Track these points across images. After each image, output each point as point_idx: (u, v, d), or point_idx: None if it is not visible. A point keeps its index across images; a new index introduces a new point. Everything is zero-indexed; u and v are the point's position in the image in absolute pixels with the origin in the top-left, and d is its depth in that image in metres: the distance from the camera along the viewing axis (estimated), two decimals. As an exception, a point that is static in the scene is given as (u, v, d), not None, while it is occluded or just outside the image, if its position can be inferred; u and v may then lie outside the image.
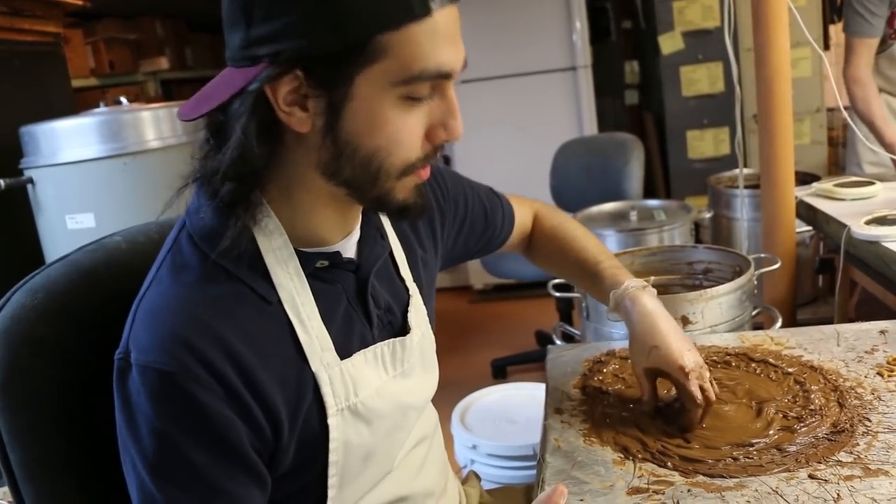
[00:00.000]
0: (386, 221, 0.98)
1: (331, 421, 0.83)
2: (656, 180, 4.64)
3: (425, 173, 0.83)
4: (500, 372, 3.23)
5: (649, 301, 1.07)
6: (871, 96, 2.39)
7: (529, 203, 1.28)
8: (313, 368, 0.82)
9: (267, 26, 0.72)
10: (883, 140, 2.39)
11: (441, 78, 0.77)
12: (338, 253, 0.87)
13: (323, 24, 0.71)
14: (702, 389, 0.99)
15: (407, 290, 0.97)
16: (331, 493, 0.85)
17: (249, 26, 0.73)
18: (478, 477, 1.27)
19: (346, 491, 0.88)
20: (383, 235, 0.96)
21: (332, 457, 0.84)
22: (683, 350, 1.01)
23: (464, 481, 1.22)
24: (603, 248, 1.23)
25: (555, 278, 1.61)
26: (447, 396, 2.10)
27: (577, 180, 3.02)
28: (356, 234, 0.90)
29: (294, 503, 0.86)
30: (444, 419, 1.91)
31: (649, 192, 4.30)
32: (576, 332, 1.68)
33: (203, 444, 0.75)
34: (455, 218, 1.11)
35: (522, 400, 2.00)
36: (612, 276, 1.13)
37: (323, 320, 0.83)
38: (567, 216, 1.30)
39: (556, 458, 0.99)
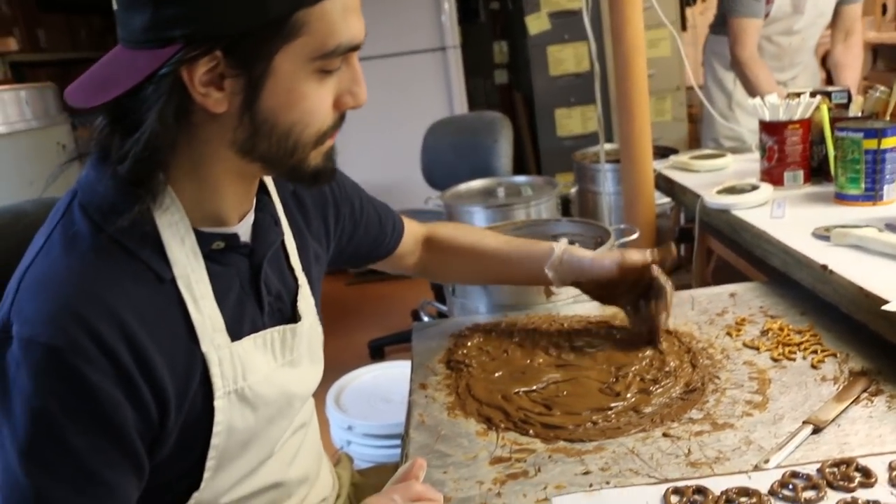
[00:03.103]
0: (280, 209, 0.96)
1: (217, 403, 0.81)
2: (527, 158, 4.73)
3: (334, 138, 0.85)
4: (378, 352, 3.22)
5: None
6: (765, 75, 2.41)
7: (423, 223, 1.31)
8: (203, 349, 0.80)
9: (179, 6, 0.71)
10: None
11: (352, 50, 0.79)
12: (235, 235, 0.86)
13: (243, 2, 0.71)
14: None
15: (296, 279, 0.96)
16: (206, 476, 0.83)
17: (158, 7, 0.71)
18: (350, 458, 1.26)
19: (220, 477, 0.85)
20: (277, 223, 0.95)
21: (214, 440, 0.82)
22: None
23: (335, 464, 1.21)
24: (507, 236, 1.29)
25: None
26: (324, 380, 2.07)
27: (448, 159, 3.03)
28: (251, 217, 0.89)
29: (166, 493, 0.83)
30: (320, 403, 1.89)
31: (520, 170, 4.37)
32: (445, 308, 1.69)
33: (85, 427, 0.71)
34: (350, 217, 1.12)
35: (397, 378, 2.00)
36: (539, 247, 1.23)
37: (216, 301, 0.82)
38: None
39: (419, 434, 0.99)
